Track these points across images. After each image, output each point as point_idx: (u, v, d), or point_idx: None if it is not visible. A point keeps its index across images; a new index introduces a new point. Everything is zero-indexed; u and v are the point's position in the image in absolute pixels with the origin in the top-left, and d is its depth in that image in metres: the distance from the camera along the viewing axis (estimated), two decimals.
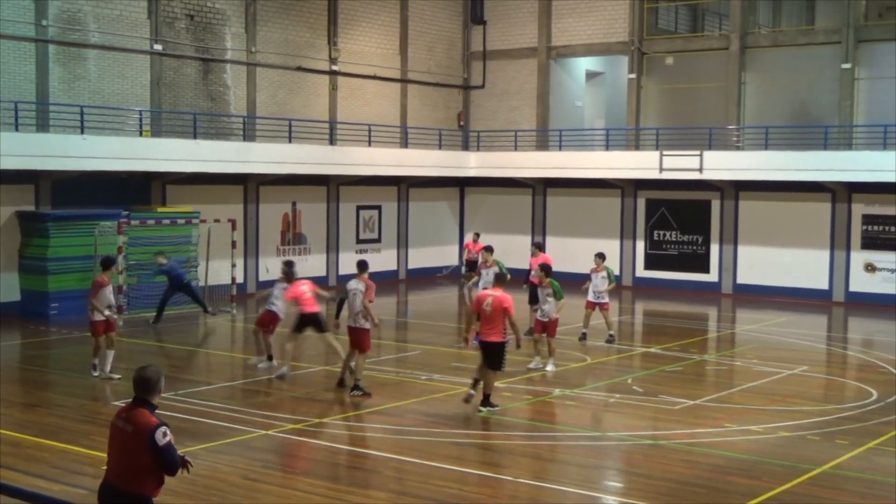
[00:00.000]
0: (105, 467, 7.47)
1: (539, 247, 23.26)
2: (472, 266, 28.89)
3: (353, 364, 16.18)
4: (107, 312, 16.81)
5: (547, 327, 18.14)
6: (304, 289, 17.06)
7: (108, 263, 17.53)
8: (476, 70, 36.27)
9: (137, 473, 7.12)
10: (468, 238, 29.90)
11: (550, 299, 18.02)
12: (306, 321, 16.93)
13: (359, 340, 15.92)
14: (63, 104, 24.75)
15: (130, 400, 7.36)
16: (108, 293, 17.03)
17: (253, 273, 29.45)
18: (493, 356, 14.82)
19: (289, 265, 18.09)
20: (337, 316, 17.17)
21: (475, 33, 36.17)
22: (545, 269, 18.32)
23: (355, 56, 32.42)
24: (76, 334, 21.63)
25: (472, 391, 14.91)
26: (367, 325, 15.90)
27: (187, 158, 25.86)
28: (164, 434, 7.08)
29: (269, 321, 18.06)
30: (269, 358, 17.97)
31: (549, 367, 18.03)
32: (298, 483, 11.48)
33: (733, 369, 19.38)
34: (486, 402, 14.86)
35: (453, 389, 16.45)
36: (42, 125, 24.49)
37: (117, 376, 16.75)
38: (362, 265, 16.50)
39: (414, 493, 11.18)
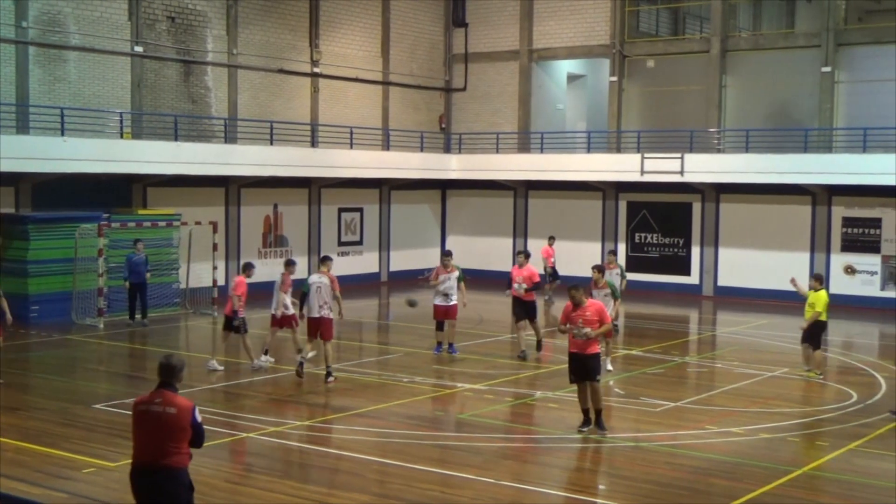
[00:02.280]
0: (133, 452, 7.98)
1: (527, 256, 20.30)
2: (555, 275, 29.02)
3: (306, 352, 17.49)
4: None
5: None
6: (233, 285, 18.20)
7: None
8: (458, 72, 36.30)
9: (181, 449, 7.85)
10: (544, 244, 29.72)
11: (609, 300, 17.68)
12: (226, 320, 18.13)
13: (324, 330, 16.96)
14: (43, 106, 24.63)
15: (154, 388, 8.10)
16: None
17: (234, 276, 29.25)
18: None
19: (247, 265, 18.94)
20: (301, 309, 17.50)
21: (457, 36, 36.20)
22: (601, 269, 18.57)
23: (337, 58, 32.38)
24: (56, 337, 21.56)
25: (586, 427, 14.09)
26: (331, 315, 17.02)
27: (168, 161, 25.75)
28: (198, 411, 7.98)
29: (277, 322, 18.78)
30: (265, 352, 18.60)
31: (609, 366, 18.18)
32: (280, 486, 11.46)
33: (714, 371, 19.45)
34: (598, 420, 13.99)
35: (435, 392, 16.49)
36: (22, 127, 24.37)
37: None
38: (325, 259, 17.75)
39: (396, 495, 11.18)
